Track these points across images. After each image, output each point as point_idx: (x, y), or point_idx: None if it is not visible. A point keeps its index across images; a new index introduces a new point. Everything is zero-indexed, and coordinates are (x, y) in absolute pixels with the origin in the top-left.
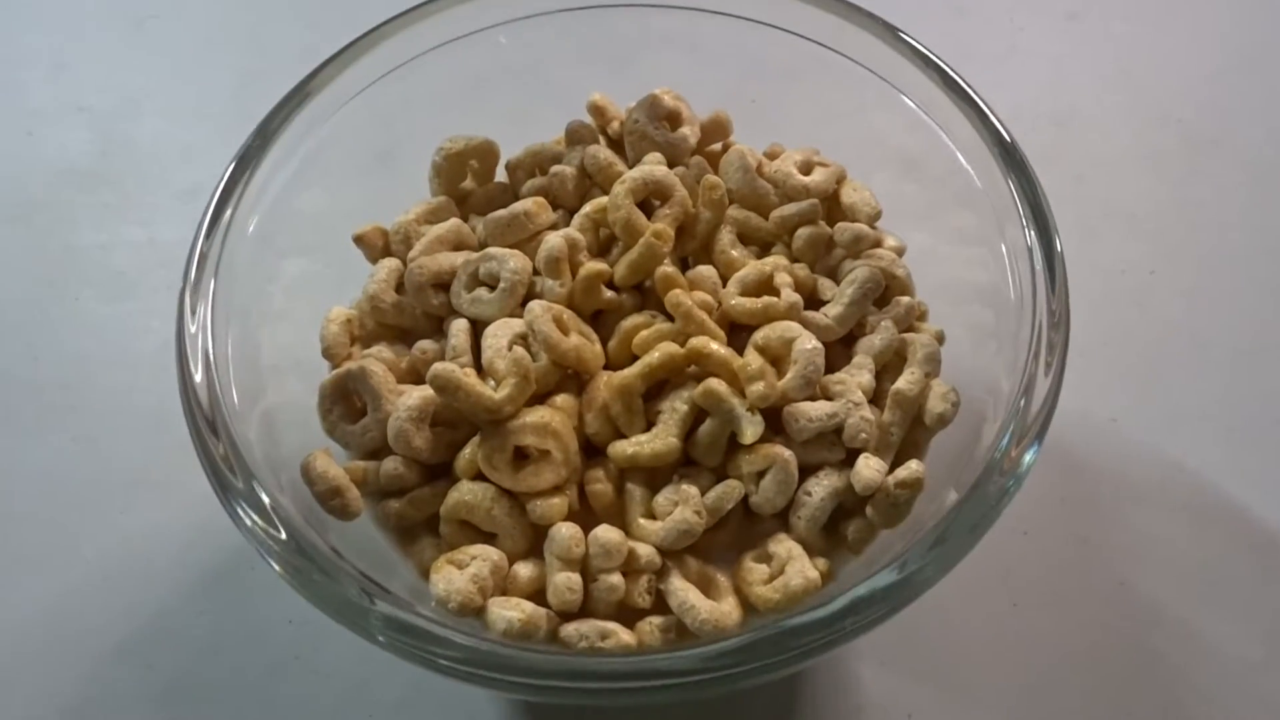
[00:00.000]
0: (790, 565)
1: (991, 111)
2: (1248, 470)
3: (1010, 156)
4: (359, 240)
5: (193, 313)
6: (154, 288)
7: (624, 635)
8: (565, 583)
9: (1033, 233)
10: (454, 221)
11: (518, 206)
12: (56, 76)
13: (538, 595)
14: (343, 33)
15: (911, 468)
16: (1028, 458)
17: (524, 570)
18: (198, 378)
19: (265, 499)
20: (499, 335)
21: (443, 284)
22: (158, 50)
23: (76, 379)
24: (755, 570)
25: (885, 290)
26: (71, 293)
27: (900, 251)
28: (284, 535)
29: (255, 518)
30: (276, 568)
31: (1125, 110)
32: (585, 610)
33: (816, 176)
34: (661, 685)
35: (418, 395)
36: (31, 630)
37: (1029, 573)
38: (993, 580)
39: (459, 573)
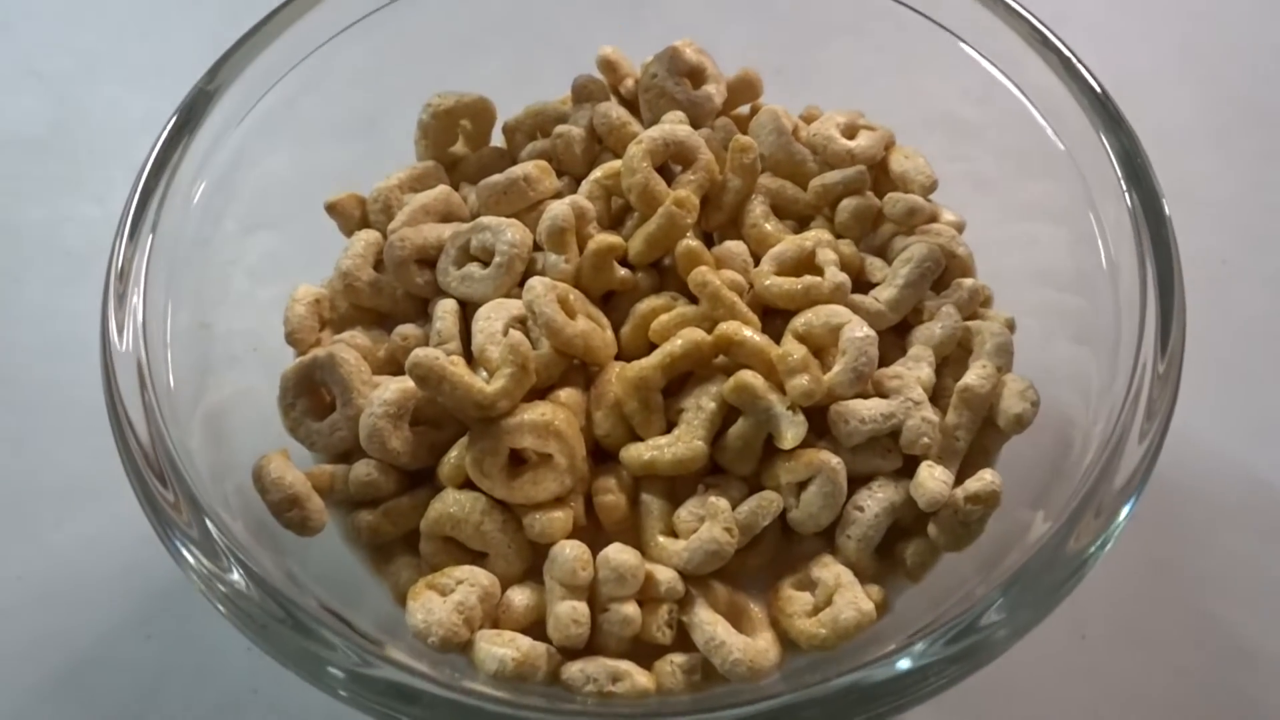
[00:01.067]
0: (839, 594)
1: (1076, 56)
2: None
3: (1104, 110)
4: (332, 209)
5: (121, 297)
6: (105, 270)
7: (639, 677)
8: (569, 614)
9: (1135, 202)
10: (442, 188)
11: (516, 171)
12: (6, 38)
13: (536, 628)
14: None
15: (985, 479)
16: (1124, 511)
17: (519, 597)
18: (125, 376)
19: (210, 526)
20: (493, 318)
21: (428, 259)
22: (117, 9)
23: (10, 371)
24: (796, 599)
25: (944, 271)
26: (11, 274)
27: (959, 227)
28: (235, 577)
29: (196, 552)
30: (221, 609)
31: (1187, 85)
32: (593, 646)
33: (862, 141)
34: None
35: (395, 388)
36: None
37: (1099, 601)
38: (1058, 613)
39: (441, 600)
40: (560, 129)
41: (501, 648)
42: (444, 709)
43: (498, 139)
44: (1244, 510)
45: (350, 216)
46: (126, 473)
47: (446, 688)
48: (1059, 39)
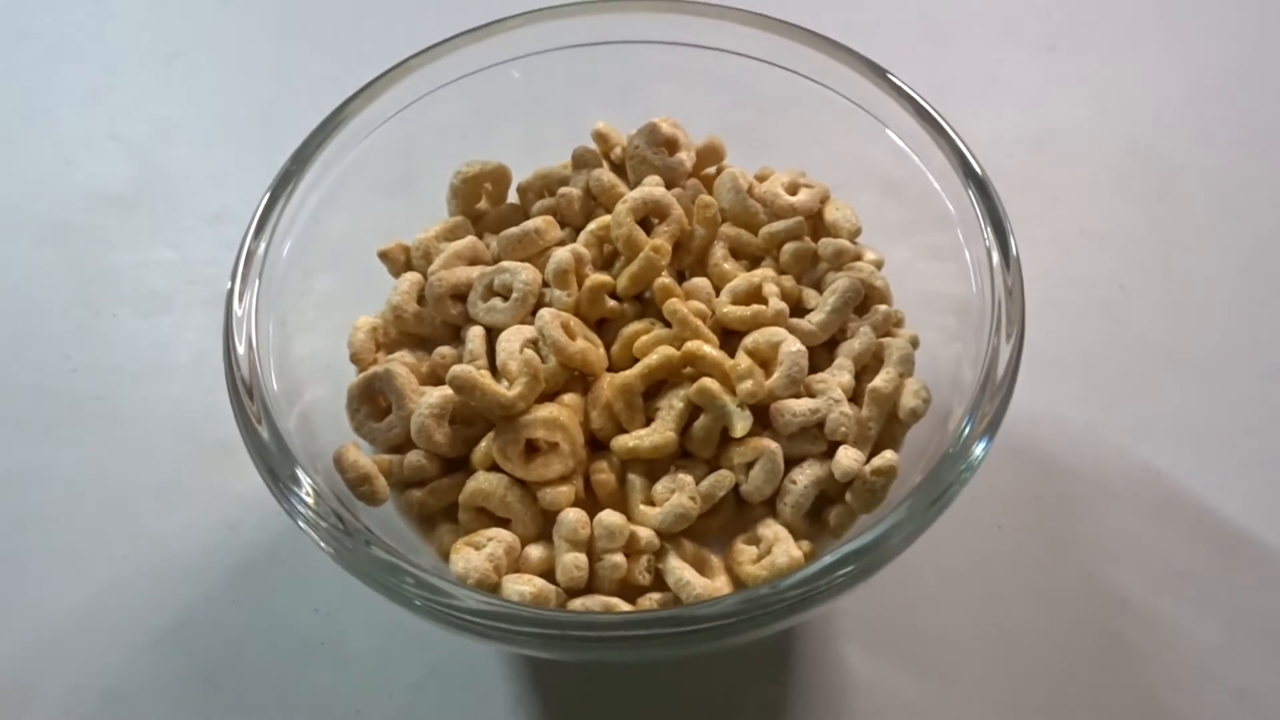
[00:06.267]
0: (776, 546)
1: (962, 141)
2: (1210, 471)
3: (977, 182)
4: (383, 256)
5: (239, 323)
6: (185, 305)
7: (625, 609)
8: (572, 562)
9: (995, 250)
10: (470, 239)
11: (529, 224)
12: (92, 108)
13: (547, 574)
14: (357, 64)
15: (886, 457)
16: (978, 450)
17: (535, 551)
18: (246, 379)
19: (311, 481)
20: (512, 340)
21: (460, 295)
22: (186, 83)
23: (112, 390)
24: (745, 551)
25: (865, 299)
26: (108, 310)
27: (879, 264)
28: (331, 512)
29: (306, 499)
30: (323, 544)
31: (1098, 136)
32: (590, 587)
33: (802, 196)
34: (656, 634)
35: (438, 394)
36: (74, 620)
37: (1004, 565)
38: (970, 572)
39: (476, 553)
40: (563, 190)
41: (522, 585)
42: (489, 607)
43: (513, 197)
44: (1125, 489)
45: (397, 261)
46: (245, 441)
47: (495, 597)
48: (952, 128)
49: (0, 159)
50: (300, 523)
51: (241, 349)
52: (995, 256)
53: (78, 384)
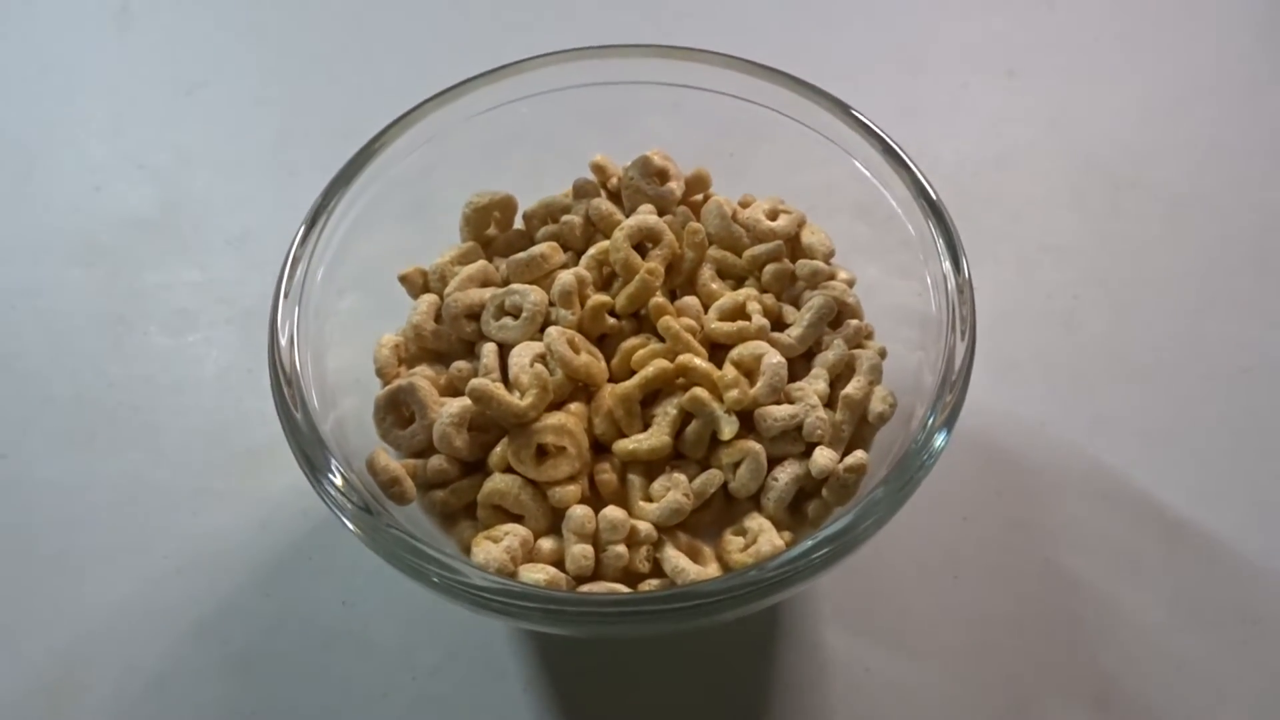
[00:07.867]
0: (761, 536)
1: (920, 171)
2: (1156, 465)
3: (934, 209)
4: (403, 279)
5: (283, 320)
6: (211, 322)
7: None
8: (580, 552)
9: (950, 268)
10: (481, 263)
11: (535, 250)
12: (118, 137)
13: (558, 563)
14: (365, 95)
15: (858, 456)
16: (938, 440)
17: (546, 544)
18: (287, 370)
19: (344, 471)
20: (522, 355)
21: (474, 314)
22: (206, 114)
23: (146, 402)
24: (733, 541)
25: (838, 315)
26: (139, 328)
27: (851, 282)
28: (361, 501)
29: (337, 483)
30: (353, 527)
31: (1057, 156)
32: (596, 575)
33: (781, 222)
34: (657, 610)
35: (457, 405)
36: (118, 615)
37: (968, 552)
38: (938, 559)
39: (495, 545)
40: (565, 218)
41: (536, 573)
42: (501, 586)
43: (520, 224)
44: (1079, 482)
45: (416, 284)
46: (289, 440)
47: (509, 578)
48: (911, 160)
49: (33, 186)
50: (332, 506)
51: (284, 341)
52: (950, 274)
53: (115, 397)
